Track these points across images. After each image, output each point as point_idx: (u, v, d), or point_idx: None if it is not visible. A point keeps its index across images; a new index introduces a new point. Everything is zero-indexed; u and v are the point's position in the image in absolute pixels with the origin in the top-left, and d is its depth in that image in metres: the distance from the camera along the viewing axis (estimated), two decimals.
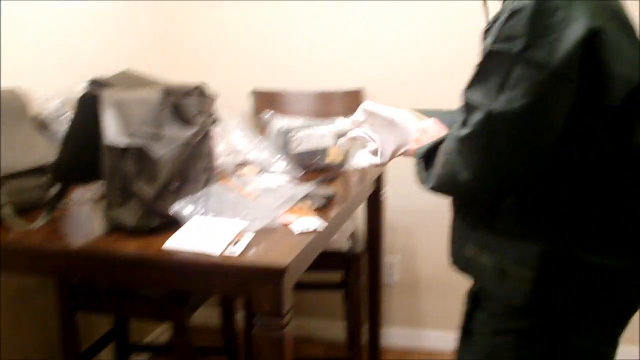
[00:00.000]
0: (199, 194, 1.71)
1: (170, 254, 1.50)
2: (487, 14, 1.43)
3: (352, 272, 2.45)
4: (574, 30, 1.12)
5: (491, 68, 1.20)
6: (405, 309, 3.08)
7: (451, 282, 2.95)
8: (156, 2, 3.00)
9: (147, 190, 1.61)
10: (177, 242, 1.54)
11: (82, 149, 1.71)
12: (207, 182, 1.82)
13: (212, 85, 2.47)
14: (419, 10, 2.84)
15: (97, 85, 2.28)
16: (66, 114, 2.13)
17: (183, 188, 1.72)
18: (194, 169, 1.75)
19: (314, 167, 2.28)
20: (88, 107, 1.67)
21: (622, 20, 1.23)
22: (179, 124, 1.70)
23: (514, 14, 1.17)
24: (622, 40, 1.18)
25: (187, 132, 1.69)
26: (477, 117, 1.20)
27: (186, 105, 1.71)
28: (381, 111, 1.57)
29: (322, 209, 1.80)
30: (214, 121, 1.85)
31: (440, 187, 1.33)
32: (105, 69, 2.42)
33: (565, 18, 1.13)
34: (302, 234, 1.60)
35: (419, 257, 3.03)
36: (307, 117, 2.53)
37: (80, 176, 1.81)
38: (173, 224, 1.62)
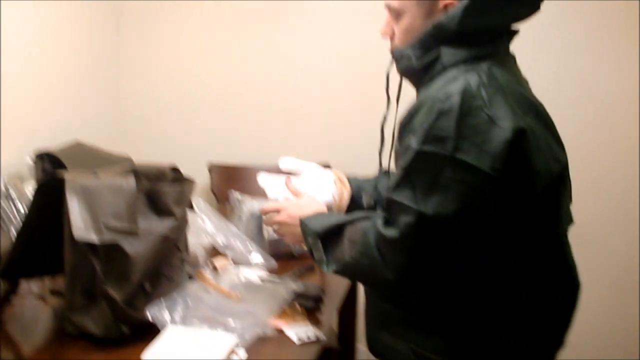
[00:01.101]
0: (175, 295, 1.49)
1: None
2: (389, 101, 1.48)
3: None
4: (501, 131, 1.13)
5: (419, 169, 1.18)
6: None
7: None
8: (102, 70, 2.78)
9: (117, 292, 1.38)
10: (158, 355, 1.30)
11: (37, 241, 1.47)
12: (181, 278, 1.59)
13: (163, 157, 2.26)
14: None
15: (46, 159, 2.05)
16: (11, 194, 1.86)
17: (157, 288, 1.49)
18: (169, 265, 1.53)
19: (288, 253, 2.08)
20: (47, 193, 1.42)
21: (541, 113, 1.26)
22: (155, 214, 1.48)
23: (441, 114, 1.16)
24: (542, 134, 1.22)
25: (164, 225, 1.47)
26: (406, 219, 1.18)
27: (162, 192, 1.49)
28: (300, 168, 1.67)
29: (312, 311, 1.60)
30: (189, 207, 1.63)
31: (348, 275, 1.37)
32: (48, 141, 2.17)
33: (490, 116, 1.14)
34: (303, 344, 1.40)
35: None
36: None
37: (32, 270, 1.56)
38: (145, 331, 1.39)
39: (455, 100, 1.15)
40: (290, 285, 1.61)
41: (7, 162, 1.94)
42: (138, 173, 1.54)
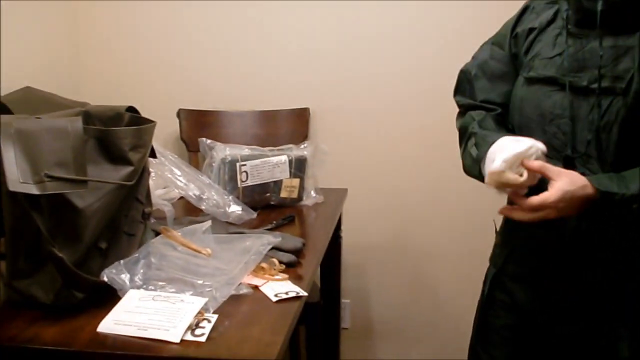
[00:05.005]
0: (136, 254, 1.30)
1: (107, 342, 1.09)
2: None
3: (311, 323, 2.07)
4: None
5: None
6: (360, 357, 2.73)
7: (407, 327, 2.64)
8: (57, 11, 2.52)
9: (66, 253, 1.19)
10: (115, 326, 1.13)
11: None
12: (144, 235, 1.41)
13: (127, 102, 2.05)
14: (364, 26, 2.52)
15: None
16: None
17: (114, 247, 1.31)
18: (128, 219, 1.34)
19: (264, 203, 1.90)
20: None
21: None
22: (108, 161, 1.28)
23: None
24: None
25: (119, 173, 1.27)
26: None
27: (116, 136, 1.29)
28: None
29: (291, 266, 1.43)
30: (152, 154, 1.44)
31: None
32: None
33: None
34: (280, 301, 1.23)
35: (371, 300, 2.69)
36: (247, 141, 2.15)
37: None
38: (102, 297, 1.21)
39: None
40: (267, 239, 1.43)
41: None
42: (89, 115, 1.35)
